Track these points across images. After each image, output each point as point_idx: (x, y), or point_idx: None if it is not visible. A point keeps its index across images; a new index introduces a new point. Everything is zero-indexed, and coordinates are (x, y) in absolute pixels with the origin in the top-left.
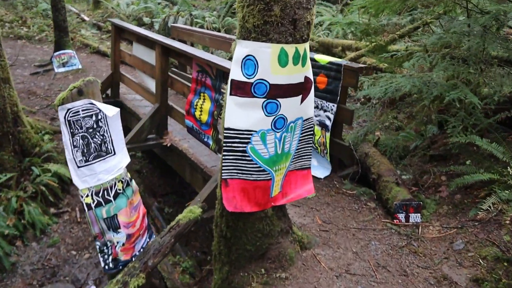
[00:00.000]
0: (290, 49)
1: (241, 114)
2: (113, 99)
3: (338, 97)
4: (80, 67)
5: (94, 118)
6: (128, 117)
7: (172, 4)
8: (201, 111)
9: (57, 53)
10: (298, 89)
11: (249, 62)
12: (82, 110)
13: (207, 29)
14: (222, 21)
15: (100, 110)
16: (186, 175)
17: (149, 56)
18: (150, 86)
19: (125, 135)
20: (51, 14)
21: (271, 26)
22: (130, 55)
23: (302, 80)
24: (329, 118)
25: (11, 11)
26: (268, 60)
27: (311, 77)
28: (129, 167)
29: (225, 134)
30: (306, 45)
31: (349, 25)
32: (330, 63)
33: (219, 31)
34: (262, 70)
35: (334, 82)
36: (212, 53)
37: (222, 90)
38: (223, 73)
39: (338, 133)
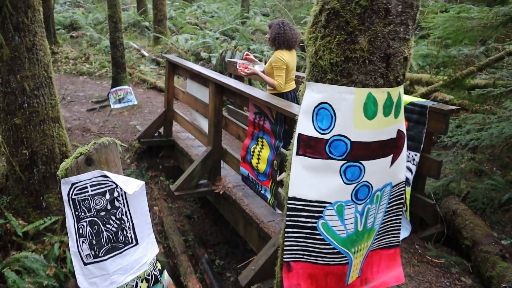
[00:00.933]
0: (380, 94)
1: (311, 180)
2: (166, 138)
3: (422, 145)
4: (135, 103)
5: (107, 196)
6: (180, 157)
7: (230, 39)
8: (258, 159)
9: (114, 89)
10: (389, 148)
11: (324, 112)
12: (91, 186)
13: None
14: None
15: (116, 185)
16: (240, 227)
17: (203, 94)
18: (203, 126)
19: (176, 177)
20: None
21: (355, 64)
22: (183, 92)
23: (394, 136)
24: (411, 170)
25: (76, 48)
26: (350, 110)
27: (404, 130)
28: (179, 212)
29: (289, 206)
30: (401, 89)
31: (425, 57)
32: (411, 104)
33: None
34: (341, 123)
35: (416, 127)
36: None
37: (282, 136)
38: (285, 117)
39: (421, 187)
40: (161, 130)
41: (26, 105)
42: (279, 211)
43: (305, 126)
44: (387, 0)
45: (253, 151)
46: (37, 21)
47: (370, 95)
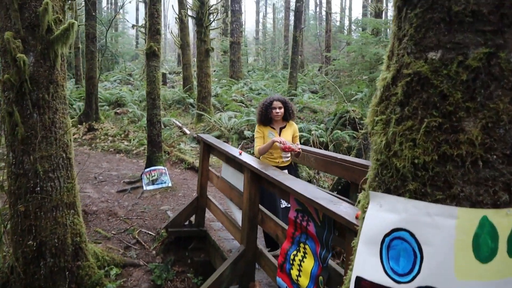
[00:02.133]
0: (503, 219)
1: None
2: (197, 228)
3: None
4: (169, 185)
5: None
6: (212, 251)
7: None
8: (299, 270)
9: (148, 169)
10: None
11: (401, 246)
12: None
13: (313, 144)
14: (330, 134)
15: None
16: None
17: (238, 181)
18: (237, 218)
19: (206, 275)
20: None
21: (458, 168)
22: (218, 177)
23: None
24: None
25: (117, 125)
26: (449, 246)
27: None
28: None
29: None
30: None
31: None
32: None
33: (326, 147)
34: (432, 266)
35: None
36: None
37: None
38: (334, 221)
39: None
40: (193, 218)
41: (38, 188)
42: None
43: (368, 266)
44: None
45: (293, 259)
46: (60, 97)
47: (486, 220)
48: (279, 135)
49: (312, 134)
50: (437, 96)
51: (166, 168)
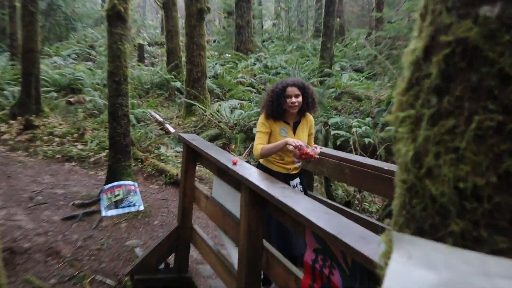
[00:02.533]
0: None
1: None
2: (177, 274)
3: None
4: (141, 208)
5: None
6: None
7: None
8: None
9: (109, 186)
10: None
11: None
12: None
13: (354, 147)
14: (380, 133)
15: None
16: None
17: (235, 203)
18: (234, 258)
19: None
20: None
21: None
22: (207, 198)
23: None
24: None
25: (69, 120)
26: None
27: None
28: None
29: None
30: None
31: None
32: None
33: (374, 150)
34: None
35: None
36: (355, 195)
37: None
38: (368, 269)
39: None
40: (172, 257)
41: None
42: None
43: None
44: None
45: None
46: None
47: None
48: (294, 133)
49: (353, 132)
50: (494, 78)
51: (137, 184)
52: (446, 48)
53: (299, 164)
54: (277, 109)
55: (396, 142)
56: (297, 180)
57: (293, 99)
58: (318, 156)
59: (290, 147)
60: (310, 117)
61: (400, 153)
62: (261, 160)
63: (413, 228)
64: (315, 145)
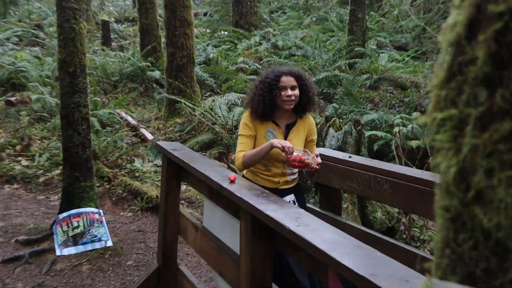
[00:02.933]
0: None
1: None
2: None
3: None
4: (109, 244)
5: None
6: None
7: (324, 101)
8: None
9: (64, 215)
10: None
11: None
12: None
13: (396, 153)
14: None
15: None
16: None
17: (233, 236)
18: None
19: None
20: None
21: None
22: (196, 229)
23: None
24: None
25: (9, 127)
26: None
27: None
28: None
29: None
30: None
31: None
32: None
33: (425, 156)
34: None
35: None
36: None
37: None
38: None
39: None
40: None
41: None
42: None
43: None
44: None
45: None
46: None
47: None
48: (285, 138)
49: (395, 133)
50: None
51: (102, 212)
52: (497, 21)
53: (292, 176)
54: (267, 104)
55: (435, 154)
56: (291, 197)
57: (289, 92)
58: (318, 167)
59: (279, 149)
60: (310, 119)
61: (439, 169)
62: (244, 172)
63: (461, 273)
64: (316, 153)
